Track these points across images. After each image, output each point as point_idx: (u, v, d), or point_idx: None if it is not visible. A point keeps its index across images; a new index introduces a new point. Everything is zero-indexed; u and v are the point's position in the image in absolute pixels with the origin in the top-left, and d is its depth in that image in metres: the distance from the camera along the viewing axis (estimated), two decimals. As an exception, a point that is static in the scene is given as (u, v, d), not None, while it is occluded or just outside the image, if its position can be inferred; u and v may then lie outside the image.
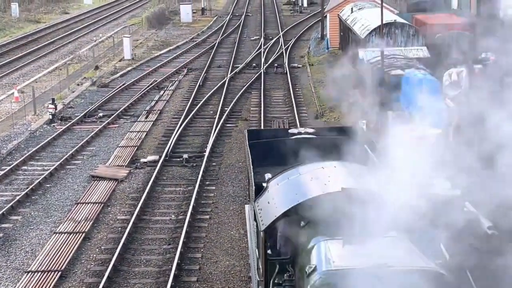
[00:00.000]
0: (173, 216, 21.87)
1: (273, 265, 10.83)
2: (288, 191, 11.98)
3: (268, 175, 13.19)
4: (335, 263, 9.30)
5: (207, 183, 24.63)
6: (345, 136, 15.29)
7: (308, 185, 11.78)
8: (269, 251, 11.08)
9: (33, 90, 36.01)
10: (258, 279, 11.75)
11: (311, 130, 16.44)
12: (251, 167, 13.92)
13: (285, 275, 10.55)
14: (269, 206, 11.70)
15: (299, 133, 16.14)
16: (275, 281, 10.62)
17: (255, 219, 12.32)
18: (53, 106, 33.20)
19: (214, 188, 24.17)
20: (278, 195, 12.02)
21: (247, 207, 15.72)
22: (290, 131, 16.54)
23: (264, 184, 12.87)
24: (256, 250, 12.26)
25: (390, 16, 38.30)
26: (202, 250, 19.45)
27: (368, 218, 9.80)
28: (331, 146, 13.88)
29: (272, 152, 14.75)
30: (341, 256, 9.42)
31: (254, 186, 12.95)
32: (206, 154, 27.13)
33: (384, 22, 28.65)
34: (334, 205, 10.23)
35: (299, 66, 45.47)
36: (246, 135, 16.49)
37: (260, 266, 11.45)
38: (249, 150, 15.07)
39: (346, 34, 44.23)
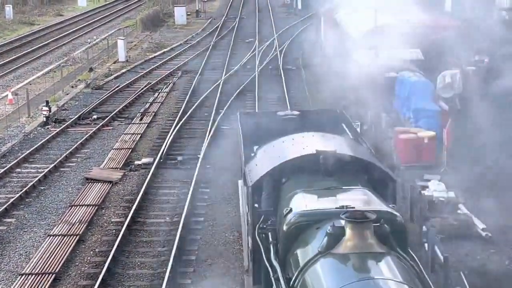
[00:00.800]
0: (167, 218, 21.85)
1: (259, 215, 12.76)
2: (272, 154, 14.20)
3: (256, 147, 15.30)
4: (307, 206, 11.43)
5: (201, 185, 24.62)
6: (326, 116, 17.77)
7: (289, 149, 13.99)
8: (256, 205, 13.02)
9: (27, 92, 35.97)
10: (247, 228, 13.88)
11: (296, 112, 18.05)
12: (242, 143, 15.92)
13: (269, 221, 12.42)
14: (256, 167, 13.95)
15: (286, 115, 17.88)
16: (260, 226, 12.47)
17: (244, 182, 14.40)
18: (47, 109, 33.15)
19: (208, 190, 24.16)
20: (264, 158, 14.34)
21: (240, 182, 17.34)
22: (278, 113, 18.21)
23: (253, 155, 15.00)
24: (246, 207, 14.10)
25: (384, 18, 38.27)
26: (196, 252, 19.44)
27: (337, 174, 12.60)
28: (313, 124, 16.30)
29: (261, 130, 16.56)
30: (312, 202, 11.59)
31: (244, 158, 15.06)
32: (201, 156, 27.12)
33: (378, 24, 28.68)
34: (309, 164, 12.87)
35: (293, 68, 45.49)
36: (239, 116, 18.36)
37: (249, 219, 13.30)
38: (240, 129, 17.12)
39: (341, 36, 44.18)
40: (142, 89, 39.74)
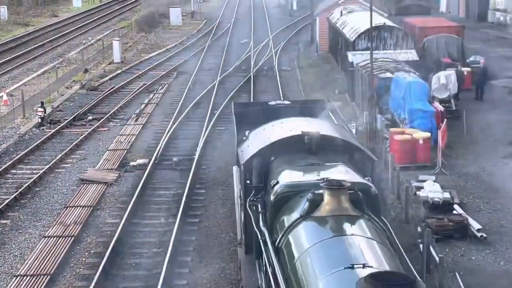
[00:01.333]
0: (162, 219, 21.84)
1: (251, 190, 14.20)
2: (262, 136, 15.56)
3: (247, 131, 16.64)
4: (292, 179, 12.82)
5: (197, 186, 24.60)
6: (314, 105, 19.33)
7: (277, 131, 15.37)
8: (247, 182, 14.43)
9: (22, 93, 35.92)
10: (240, 202, 15.42)
11: (287, 102, 19.84)
12: (236, 129, 17.61)
13: (259, 195, 13.79)
14: (247, 148, 15.33)
15: (277, 104, 19.53)
16: (251, 199, 13.88)
17: (237, 162, 16.01)
18: (42, 110, 33.10)
19: (203, 191, 24.15)
20: (254, 140, 15.68)
21: (234, 167, 18.33)
22: (269, 103, 19.95)
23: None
24: (239, 184, 15.49)
25: (379, 19, 38.38)
26: (192, 253, 19.43)
27: (320, 153, 14.04)
28: (302, 112, 17.64)
29: (254, 117, 17.79)
30: (297, 175, 13.00)
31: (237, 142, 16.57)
32: (196, 157, 27.10)
33: (373, 25, 28.68)
34: (295, 144, 14.34)
35: (288, 69, 45.50)
36: (233, 106, 20.04)
37: (241, 194, 14.74)
38: (234, 117, 18.77)
39: (336, 37, 44.32)
40: (138, 90, 39.72)
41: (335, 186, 11.30)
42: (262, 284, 12.39)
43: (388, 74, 30.21)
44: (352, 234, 10.65)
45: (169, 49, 55.20)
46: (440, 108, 27.96)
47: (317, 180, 12.23)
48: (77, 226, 21.13)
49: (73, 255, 19.48)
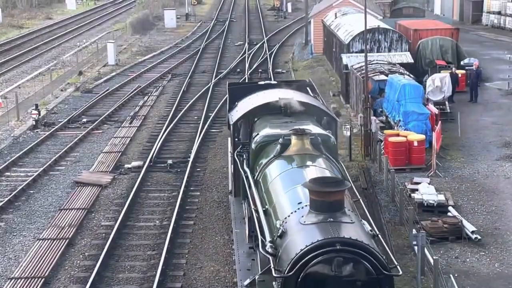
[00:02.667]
0: (157, 222, 21.82)
1: (238, 145, 18.28)
2: (247, 103, 19.51)
3: (237, 102, 20.49)
4: (269, 131, 16.76)
5: (191, 188, 24.59)
6: (298, 85, 22.25)
7: (259, 99, 19.31)
8: (236, 139, 18.67)
9: (16, 96, 35.85)
10: (230, 156, 19.70)
11: (273, 82, 23.70)
12: (228, 102, 21.26)
13: (244, 148, 17.63)
14: (236, 112, 19.51)
15: (265, 83, 22.50)
16: (238, 150, 17.83)
17: (228, 126, 19.97)
18: (36, 112, 33.04)
19: (198, 193, 24.14)
20: (241, 106, 19.67)
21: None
22: (259, 82, 23.36)
23: None
24: (231, 142, 19.62)
25: (373, 22, 38.43)
26: (186, 255, 19.41)
27: (294, 115, 18.00)
28: (285, 87, 20.87)
29: (244, 94, 20.73)
30: (273, 129, 16.88)
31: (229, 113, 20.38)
32: (191, 159, 27.09)
33: (367, 27, 28.72)
34: (274, 108, 18.41)
35: (283, 71, 45.53)
36: (227, 85, 23.15)
37: (231, 149, 18.90)
38: (228, 93, 21.94)
39: (330, 39, 44.36)
40: (132, 92, 39.69)
41: (300, 133, 15.35)
42: (246, 213, 16.74)
43: (383, 76, 30.26)
44: (310, 165, 14.62)
45: (164, 51, 55.19)
46: (435, 110, 28.00)
47: (289, 131, 15.80)
48: (72, 229, 21.10)
49: (68, 258, 19.44)
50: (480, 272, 17.68)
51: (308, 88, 21.75)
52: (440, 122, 26.85)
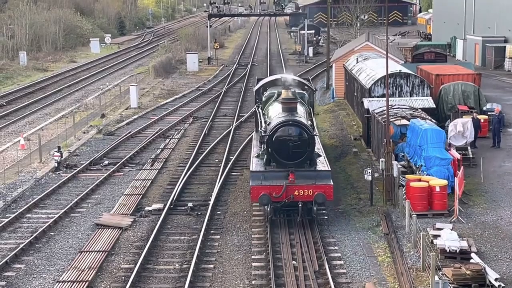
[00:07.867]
0: (177, 265, 21.72)
1: (257, 103, 31.03)
2: (264, 81, 32.26)
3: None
4: (272, 91, 29.73)
5: (211, 232, 24.51)
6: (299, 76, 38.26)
7: (271, 78, 32.46)
8: (257, 100, 31.31)
9: (39, 138, 36.15)
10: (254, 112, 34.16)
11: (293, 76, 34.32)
12: (256, 85, 33.06)
13: (261, 104, 30.24)
14: (257, 86, 31.97)
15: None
16: (257, 105, 30.80)
17: (254, 93, 33.15)
18: (58, 154, 33.27)
19: (218, 237, 24.04)
20: (260, 83, 31.99)
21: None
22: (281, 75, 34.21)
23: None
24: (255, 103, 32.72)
25: (395, 67, 38.49)
26: (206, 300, 19.26)
27: (290, 86, 28.44)
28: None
29: (269, 85, 31.29)
30: (274, 90, 29.60)
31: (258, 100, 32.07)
32: (211, 202, 27.05)
33: (389, 72, 28.74)
34: (278, 82, 30.62)
35: (304, 115, 45.53)
36: (256, 78, 36.53)
37: (255, 107, 31.80)
38: (256, 83, 33.48)
39: (352, 83, 44.47)
40: (154, 135, 39.89)
41: (286, 88, 26.55)
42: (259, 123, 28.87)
43: (404, 121, 30.19)
44: (291, 102, 25.70)
45: (186, 94, 55.56)
46: (457, 155, 27.84)
47: (281, 89, 27.24)
48: (92, 271, 21.05)
49: (87, 301, 19.35)
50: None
51: (306, 80, 33.84)
52: (462, 167, 26.66)
